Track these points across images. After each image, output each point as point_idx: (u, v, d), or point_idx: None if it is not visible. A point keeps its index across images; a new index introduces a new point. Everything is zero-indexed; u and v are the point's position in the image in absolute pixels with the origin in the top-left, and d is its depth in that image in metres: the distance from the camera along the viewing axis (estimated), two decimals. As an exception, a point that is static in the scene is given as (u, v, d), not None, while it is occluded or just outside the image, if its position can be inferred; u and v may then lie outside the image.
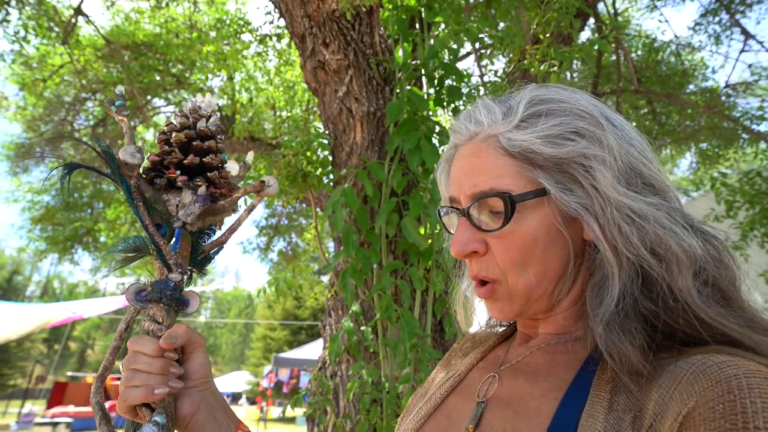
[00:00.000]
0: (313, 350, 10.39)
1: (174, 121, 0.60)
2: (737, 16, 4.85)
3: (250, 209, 0.63)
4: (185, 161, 0.58)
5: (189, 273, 0.59)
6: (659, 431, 0.36)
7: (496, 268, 0.49)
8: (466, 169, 0.50)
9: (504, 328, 0.62)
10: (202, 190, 0.57)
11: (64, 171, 0.54)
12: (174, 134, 0.59)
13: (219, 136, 0.62)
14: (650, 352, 0.41)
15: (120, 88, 0.60)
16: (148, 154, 0.59)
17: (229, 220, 0.64)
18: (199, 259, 0.60)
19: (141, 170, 0.58)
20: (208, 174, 0.58)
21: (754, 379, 0.34)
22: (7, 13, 4.72)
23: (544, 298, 0.48)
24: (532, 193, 0.47)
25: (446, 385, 0.56)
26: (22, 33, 5.01)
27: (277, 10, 2.48)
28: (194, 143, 0.59)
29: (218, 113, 0.66)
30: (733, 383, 0.34)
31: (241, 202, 0.63)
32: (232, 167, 0.64)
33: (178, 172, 0.57)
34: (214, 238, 0.62)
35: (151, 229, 0.55)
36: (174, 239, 0.56)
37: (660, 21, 5.39)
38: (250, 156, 0.65)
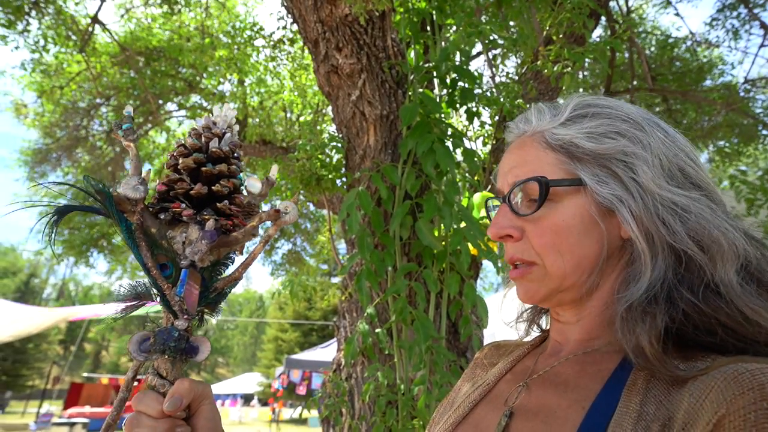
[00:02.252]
0: (325, 352, 10.42)
1: (185, 143, 0.55)
2: (756, 10, 4.75)
3: (266, 240, 0.56)
4: (192, 191, 0.52)
5: (200, 315, 0.54)
6: None
7: (531, 251, 0.50)
8: (511, 162, 0.54)
9: (534, 338, 0.62)
10: (209, 224, 0.51)
11: (53, 217, 0.47)
12: (182, 160, 0.53)
13: (235, 153, 0.56)
14: (669, 342, 0.41)
15: (129, 109, 0.54)
16: (156, 181, 0.54)
17: (248, 244, 0.58)
18: (212, 298, 0.55)
19: (147, 203, 0.52)
20: (218, 204, 0.53)
21: None
22: (28, 23, 4.83)
23: (574, 288, 0.49)
24: (567, 180, 0.49)
25: (474, 395, 0.56)
26: (41, 42, 5.14)
27: (290, 16, 2.50)
28: (203, 169, 0.53)
29: (236, 126, 0.59)
30: (767, 390, 0.34)
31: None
32: (254, 185, 0.58)
33: (184, 205, 0.52)
34: (227, 273, 0.57)
35: (153, 273, 0.49)
36: (180, 281, 0.51)
37: (676, 15, 5.28)
38: (273, 171, 0.60)
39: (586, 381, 0.46)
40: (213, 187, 0.53)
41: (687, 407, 0.37)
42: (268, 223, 0.57)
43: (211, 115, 0.59)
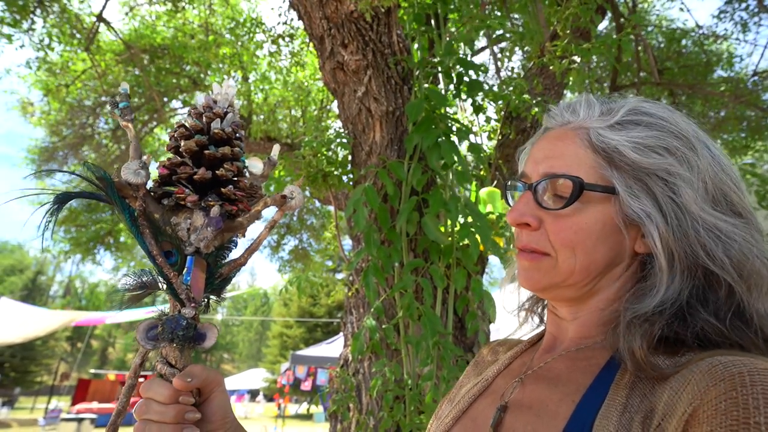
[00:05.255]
0: (330, 348, 10.47)
1: (186, 123, 0.52)
2: (765, 2, 4.69)
3: (271, 226, 0.55)
4: (195, 176, 0.50)
5: (206, 301, 0.53)
6: (666, 429, 0.37)
7: (547, 242, 0.50)
8: (547, 150, 0.52)
9: (532, 335, 0.64)
10: (214, 211, 0.50)
11: (54, 205, 0.46)
12: (183, 142, 0.51)
13: (238, 134, 0.54)
14: (660, 344, 0.43)
15: (124, 86, 0.52)
16: (157, 164, 0.52)
17: (252, 229, 0.57)
18: (217, 283, 0.54)
19: (149, 187, 0.51)
20: (222, 189, 0.51)
21: (758, 375, 0.35)
22: (33, 22, 4.86)
23: (574, 287, 0.50)
24: (601, 187, 0.48)
25: (474, 390, 0.58)
26: (46, 41, 5.16)
27: (294, 12, 2.51)
28: (206, 152, 0.51)
29: (237, 104, 0.56)
30: (737, 380, 0.35)
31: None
32: (255, 166, 0.56)
33: (187, 190, 0.50)
34: (232, 259, 0.56)
35: (159, 260, 0.48)
36: (186, 269, 0.50)
37: (681, 9, 5.22)
38: (275, 151, 0.58)
39: (576, 376, 0.48)
40: (217, 172, 0.51)
41: (666, 399, 0.39)
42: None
43: (210, 92, 0.56)
